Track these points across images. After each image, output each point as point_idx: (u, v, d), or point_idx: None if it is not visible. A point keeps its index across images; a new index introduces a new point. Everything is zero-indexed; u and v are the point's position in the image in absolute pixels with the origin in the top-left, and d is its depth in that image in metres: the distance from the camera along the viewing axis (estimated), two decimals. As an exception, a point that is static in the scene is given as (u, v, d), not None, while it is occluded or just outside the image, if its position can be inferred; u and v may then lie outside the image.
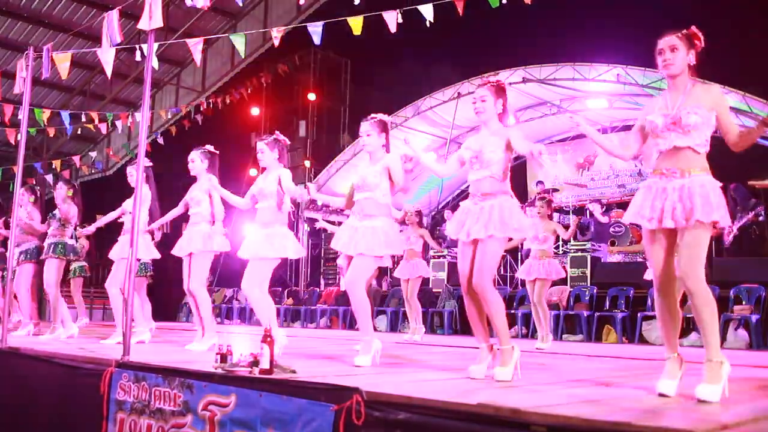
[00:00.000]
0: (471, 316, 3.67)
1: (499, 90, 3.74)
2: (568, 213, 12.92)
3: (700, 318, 2.83)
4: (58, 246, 6.52)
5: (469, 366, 3.57)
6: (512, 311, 9.50)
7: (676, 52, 3.02)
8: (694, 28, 3.05)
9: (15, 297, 6.97)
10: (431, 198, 15.89)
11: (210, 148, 5.60)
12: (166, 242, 6.35)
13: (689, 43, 3.04)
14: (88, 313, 11.37)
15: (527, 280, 7.03)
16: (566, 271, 10.55)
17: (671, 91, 3.10)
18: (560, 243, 10.47)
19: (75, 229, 6.86)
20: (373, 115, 4.29)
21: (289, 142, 5.10)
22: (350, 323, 11.88)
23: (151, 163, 5.97)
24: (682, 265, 2.87)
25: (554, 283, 9.33)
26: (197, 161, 5.52)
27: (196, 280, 5.39)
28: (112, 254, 6.03)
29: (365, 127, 4.25)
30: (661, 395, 2.85)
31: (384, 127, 4.27)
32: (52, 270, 6.50)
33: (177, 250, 5.55)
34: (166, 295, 14.48)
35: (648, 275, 6.13)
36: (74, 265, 8.96)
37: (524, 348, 6.33)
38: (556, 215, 12.78)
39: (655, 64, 3.13)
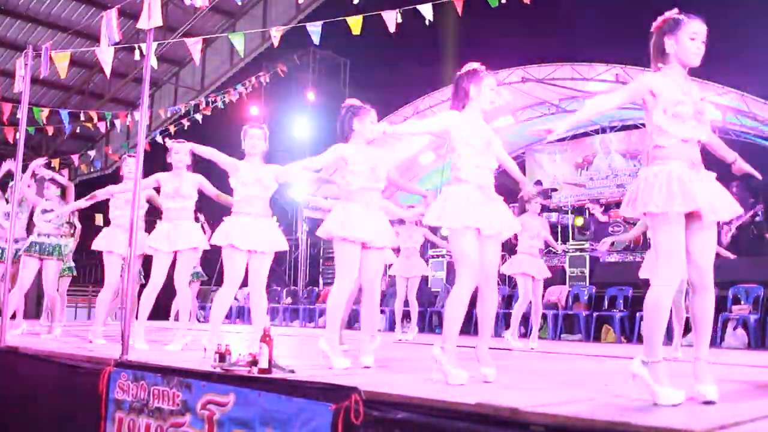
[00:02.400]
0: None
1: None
2: (567, 213, 12.93)
3: (708, 316, 2.78)
4: (59, 248, 6.54)
5: (481, 368, 3.43)
6: (510, 311, 9.48)
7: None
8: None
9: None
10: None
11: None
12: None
13: (659, 38, 2.89)
14: (72, 313, 11.32)
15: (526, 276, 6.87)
16: (565, 271, 10.57)
17: (683, 78, 2.90)
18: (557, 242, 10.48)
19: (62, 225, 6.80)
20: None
21: (267, 132, 4.92)
22: (349, 323, 11.85)
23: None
24: (706, 262, 2.77)
25: (553, 283, 9.35)
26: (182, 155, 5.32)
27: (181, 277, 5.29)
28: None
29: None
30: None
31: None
32: (52, 271, 6.52)
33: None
34: (163, 295, 14.44)
35: (643, 273, 5.81)
36: (65, 265, 8.94)
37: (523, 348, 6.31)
38: (555, 215, 12.83)
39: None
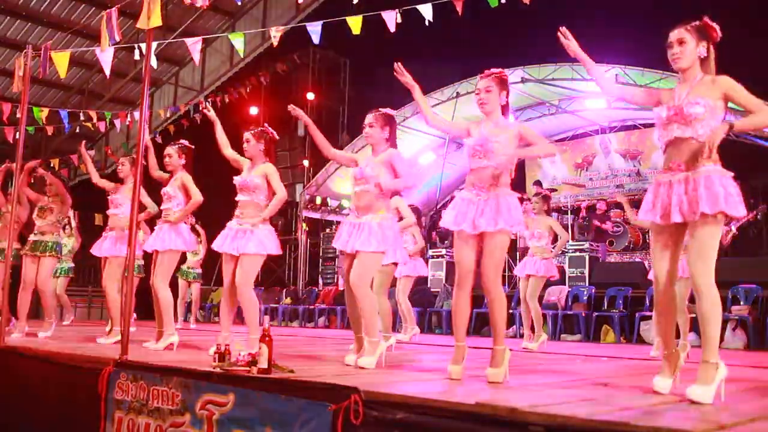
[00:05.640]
0: (462, 311, 3.58)
1: (503, 82, 3.75)
2: (566, 213, 12.93)
3: (704, 318, 2.78)
4: (57, 245, 6.55)
5: (447, 365, 3.50)
6: (511, 311, 9.49)
7: (684, 45, 2.99)
8: (706, 19, 2.99)
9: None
10: (429, 198, 15.88)
11: (185, 143, 5.49)
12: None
13: (699, 35, 2.99)
14: (73, 312, 11.29)
15: (520, 277, 7.02)
16: (565, 271, 10.56)
17: (681, 84, 3.07)
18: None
19: (65, 226, 6.86)
20: (380, 109, 4.31)
21: (278, 137, 4.97)
22: (348, 323, 11.85)
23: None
24: (690, 263, 2.83)
25: (552, 283, 9.34)
26: (174, 156, 5.40)
27: (159, 277, 5.22)
28: (105, 252, 5.95)
29: (369, 118, 4.28)
30: (656, 393, 2.87)
31: (387, 122, 4.26)
32: (47, 269, 6.52)
33: (147, 245, 5.37)
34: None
35: (651, 275, 6.08)
36: (64, 265, 8.95)
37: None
38: (554, 215, 12.81)
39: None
